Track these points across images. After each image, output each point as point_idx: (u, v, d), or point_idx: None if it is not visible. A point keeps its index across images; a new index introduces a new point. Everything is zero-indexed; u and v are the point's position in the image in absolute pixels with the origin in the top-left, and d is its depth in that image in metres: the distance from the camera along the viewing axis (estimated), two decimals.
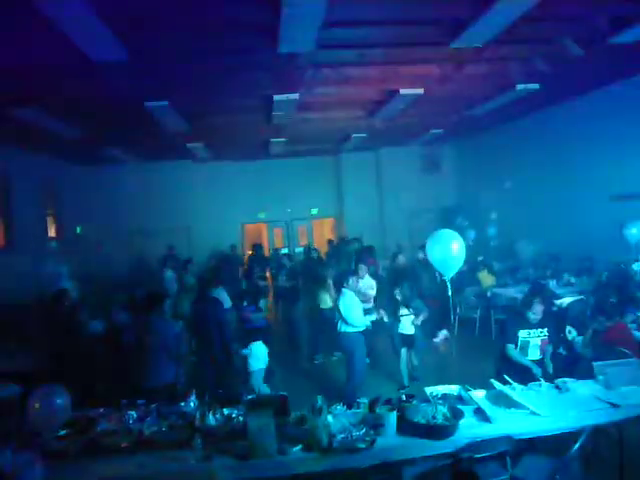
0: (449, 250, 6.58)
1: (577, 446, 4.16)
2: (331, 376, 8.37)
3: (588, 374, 5.20)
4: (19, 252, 11.68)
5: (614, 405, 4.53)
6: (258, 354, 6.70)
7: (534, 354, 5.64)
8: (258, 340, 6.81)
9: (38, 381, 4.66)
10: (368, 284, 8.36)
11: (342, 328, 7.22)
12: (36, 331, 7.47)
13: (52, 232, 14.20)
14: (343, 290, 7.37)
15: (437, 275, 9.16)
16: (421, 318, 7.74)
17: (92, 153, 13.44)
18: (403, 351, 7.81)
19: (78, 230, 15.53)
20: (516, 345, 5.61)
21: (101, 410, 4.74)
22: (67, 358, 6.47)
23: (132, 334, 6.38)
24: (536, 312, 5.58)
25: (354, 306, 7.21)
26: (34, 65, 6.63)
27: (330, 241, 15.57)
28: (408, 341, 7.79)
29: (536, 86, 9.02)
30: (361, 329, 7.22)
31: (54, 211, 14.24)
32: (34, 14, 4.88)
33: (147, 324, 6.01)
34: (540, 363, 5.60)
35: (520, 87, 9.03)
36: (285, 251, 16.08)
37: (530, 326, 5.61)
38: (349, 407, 4.64)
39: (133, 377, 5.97)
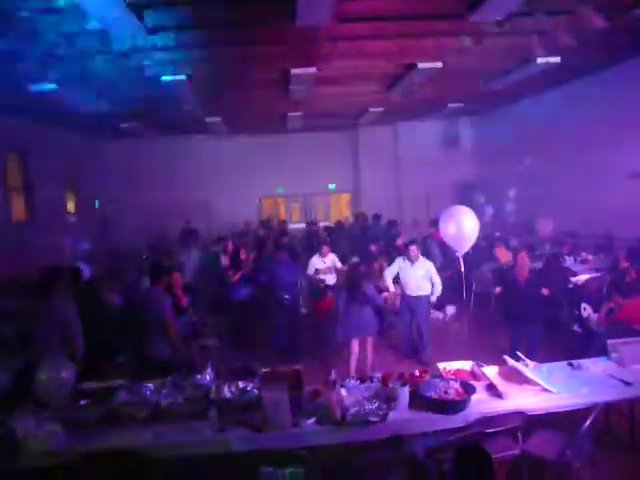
0: (462, 226, 6.57)
1: (588, 423, 4.18)
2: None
3: (602, 351, 5.21)
4: (39, 226, 11.88)
5: (626, 383, 4.55)
6: None
7: None
8: None
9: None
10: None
11: None
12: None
13: (71, 206, 14.38)
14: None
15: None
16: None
17: (111, 127, 13.51)
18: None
19: (96, 204, 15.71)
20: None
21: (120, 382, 4.87)
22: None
23: None
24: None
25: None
26: (54, 42, 6.66)
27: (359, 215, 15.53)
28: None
29: (557, 59, 8.81)
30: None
31: (73, 185, 14.41)
32: None
33: None
34: None
35: (541, 60, 8.84)
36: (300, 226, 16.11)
37: None
38: (362, 381, 4.72)
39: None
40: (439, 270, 7.93)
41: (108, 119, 12.09)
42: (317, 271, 9.10)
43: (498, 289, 7.48)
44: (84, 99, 9.60)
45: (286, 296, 8.19)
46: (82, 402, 4.51)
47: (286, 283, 8.25)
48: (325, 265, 9.11)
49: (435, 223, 11.03)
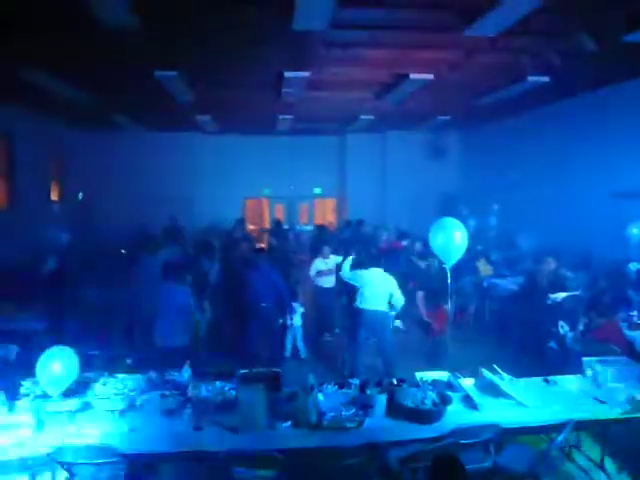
0: (452, 238, 6.60)
1: (560, 439, 4.24)
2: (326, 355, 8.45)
3: (577, 369, 5.28)
4: (21, 214, 11.71)
5: (600, 401, 4.62)
6: None
7: None
8: None
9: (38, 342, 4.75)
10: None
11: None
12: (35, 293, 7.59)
13: (54, 196, 14.21)
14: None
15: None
16: None
17: (100, 119, 13.36)
18: None
19: (80, 196, 15.54)
20: None
21: (97, 374, 4.83)
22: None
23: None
24: None
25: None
26: (46, 27, 6.58)
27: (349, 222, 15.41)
28: None
29: (546, 79, 8.95)
30: None
31: (57, 175, 14.23)
32: None
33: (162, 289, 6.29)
34: None
35: (531, 79, 8.97)
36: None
37: None
38: (340, 387, 4.73)
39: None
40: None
41: (96, 111, 11.98)
42: (320, 273, 8.97)
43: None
44: (71, 88, 9.51)
45: (262, 304, 7.70)
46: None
47: (261, 290, 7.75)
48: (327, 267, 9.00)
49: (401, 236, 11.09)
